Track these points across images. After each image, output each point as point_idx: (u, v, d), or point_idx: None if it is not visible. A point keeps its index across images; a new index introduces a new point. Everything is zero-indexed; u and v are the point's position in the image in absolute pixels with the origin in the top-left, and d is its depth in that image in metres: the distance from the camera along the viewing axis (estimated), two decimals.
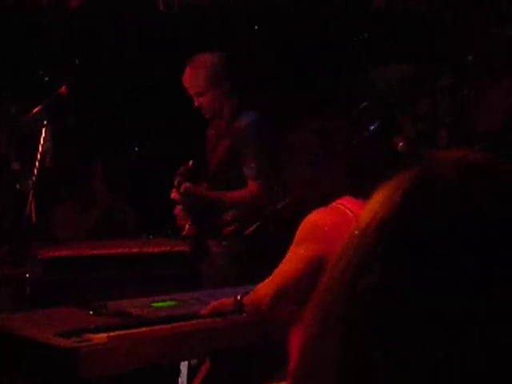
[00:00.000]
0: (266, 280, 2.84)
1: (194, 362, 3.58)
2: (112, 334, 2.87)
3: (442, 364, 0.68)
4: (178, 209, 4.38)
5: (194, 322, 3.16)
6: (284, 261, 2.80)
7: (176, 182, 4.13)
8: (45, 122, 4.03)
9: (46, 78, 6.36)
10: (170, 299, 3.61)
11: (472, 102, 5.32)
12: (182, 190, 4.13)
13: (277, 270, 2.81)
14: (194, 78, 4.24)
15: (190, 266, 4.61)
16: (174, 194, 4.21)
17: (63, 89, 4.31)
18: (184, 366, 3.57)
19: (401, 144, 4.48)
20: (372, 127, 4.62)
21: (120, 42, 6.21)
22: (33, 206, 3.88)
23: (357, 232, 0.76)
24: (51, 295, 4.22)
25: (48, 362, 2.79)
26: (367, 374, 0.70)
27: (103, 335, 2.83)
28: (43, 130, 4.02)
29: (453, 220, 0.71)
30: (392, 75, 5.69)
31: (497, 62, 5.34)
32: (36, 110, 4.10)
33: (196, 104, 4.31)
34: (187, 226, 4.40)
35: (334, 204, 2.82)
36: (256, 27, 6.52)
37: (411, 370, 0.68)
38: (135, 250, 4.89)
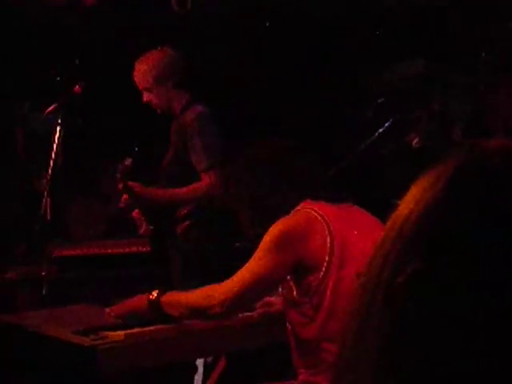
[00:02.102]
0: (225, 283, 2.78)
1: (210, 359, 3.59)
2: (129, 331, 2.87)
3: (488, 357, 0.67)
4: (136, 212, 4.47)
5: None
6: (249, 265, 2.75)
7: (120, 183, 4.15)
8: (59, 121, 4.03)
9: (58, 78, 6.36)
10: None
11: (486, 99, 5.31)
12: (122, 188, 4.17)
13: (240, 275, 2.75)
14: (142, 74, 4.35)
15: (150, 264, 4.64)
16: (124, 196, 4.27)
17: (77, 88, 4.32)
18: (200, 364, 3.58)
19: (415, 140, 4.48)
20: (387, 124, 4.61)
21: (132, 42, 6.21)
22: (48, 204, 3.88)
23: (393, 227, 0.76)
24: (67, 293, 4.23)
25: (66, 359, 2.79)
26: (406, 366, 0.70)
27: (120, 333, 2.83)
28: (57, 129, 4.02)
29: (502, 206, 0.70)
30: (406, 72, 5.68)
31: (510, 59, 5.32)
32: (50, 108, 4.10)
33: (145, 99, 4.43)
34: (144, 226, 4.46)
35: (296, 209, 2.82)
36: (267, 24, 6.51)
37: (455, 362, 0.68)
38: (148, 249, 4.89)
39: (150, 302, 2.88)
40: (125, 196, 4.25)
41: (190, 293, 2.88)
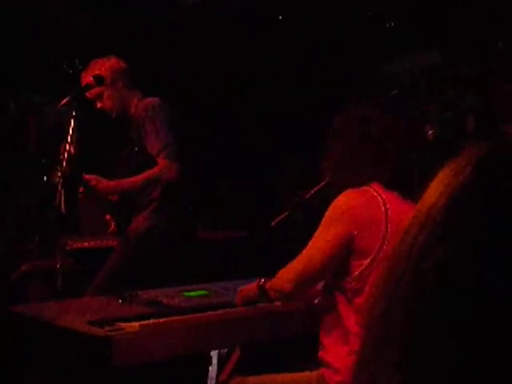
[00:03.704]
0: (290, 264, 2.83)
1: (224, 350, 3.60)
2: (144, 322, 2.88)
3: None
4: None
5: (225, 311, 3.17)
6: (311, 243, 2.79)
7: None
8: (73, 113, 4.03)
9: (71, 71, 6.37)
10: (201, 289, 3.63)
11: (499, 90, 5.28)
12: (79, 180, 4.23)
13: (303, 253, 2.79)
14: (90, 82, 4.42)
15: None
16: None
17: (91, 80, 4.33)
18: (214, 355, 3.58)
19: (430, 132, 4.46)
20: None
21: (138, 36, 6.23)
22: (62, 197, 3.89)
23: (421, 212, 0.76)
24: (81, 285, 4.25)
25: (82, 350, 2.80)
26: (431, 350, 0.70)
27: (135, 324, 2.84)
28: (71, 121, 4.02)
29: None
30: (419, 63, 5.66)
31: None
32: (64, 101, 4.10)
33: (98, 106, 4.62)
34: (113, 225, 4.59)
35: (365, 188, 2.82)
36: (280, 17, 6.51)
37: (481, 348, 0.68)
38: None
39: (259, 286, 2.97)
40: (81, 189, 4.29)
41: (277, 275, 2.92)
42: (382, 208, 2.75)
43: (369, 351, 0.78)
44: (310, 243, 2.79)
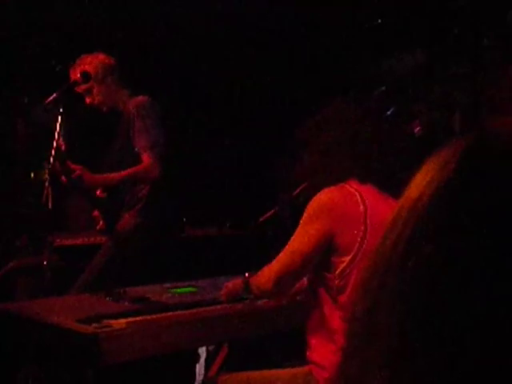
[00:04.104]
0: (273, 260, 2.84)
1: (212, 347, 3.60)
2: (131, 319, 2.88)
3: (503, 344, 0.66)
4: (96, 212, 4.68)
5: (212, 307, 3.18)
6: (291, 241, 2.80)
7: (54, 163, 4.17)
8: (60, 110, 4.02)
9: (58, 68, 6.35)
10: (189, 285, 3.63)
11: (487, 88, 5.30)
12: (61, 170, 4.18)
13: (283, 251, 2.80)
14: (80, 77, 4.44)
15: None
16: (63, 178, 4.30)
17: (78, 76, 4.32)
18: (202, 352, 3.59)
19: (417, 129, 4.48)
20: (388, 113, 4.61)
21: (133, 31, 6.21)
22: (49, 194, 3.88)
23: (404, 207, 0.75)
24: (68, 283, 4.24)
25: (69, 347, 2.80)
26: (419, 347, 0.69)
27: (122, 321, 2.84)
28: (58, 119, 4.01)
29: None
30: (406, 61, 5.67)
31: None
32: (51, 98, 4.09)
33: (87, 101, 4.63)
34: (100, 222, 4.64)
35: (343, 185, 2.85)
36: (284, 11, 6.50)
37: (467, 347, 0.67)
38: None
39: (244, 281, 3.00)
40: (63, 178, 4.28)
41: (262, 270, 2.92)
42: (360, 203, 2.77)
43: (352, 347, 0.78)
44: (290, 241, 2.81)
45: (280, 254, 2.82)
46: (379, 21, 5.90)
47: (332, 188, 2.81)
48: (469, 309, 0.67)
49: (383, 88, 4.97)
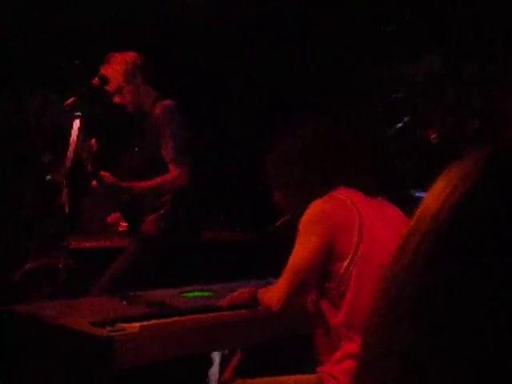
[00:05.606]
0: (281, 278, 2.85)
1: (225, 352, 3.60)
2: (145, 323, 2.88)
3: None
4: (111, 217, 4.68)
5: (226, 312, 3.17)
6: (293, 258, 2.81)
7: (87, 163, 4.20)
8: (77, 113, 4.04)
9: (76, 68, 6.37)
10: (203, 290, 3.64)
11: (501, 92, 5.27)
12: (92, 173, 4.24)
13: (288, 269, 2.82)
14: (111, 76, 4.47)
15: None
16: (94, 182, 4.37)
17: (95, 80, 4.34)
18: (216, 356, 3.59)
19: (433, 136, 4.46)
20: (404, 119, 4.60)
21: (147, 33, 6.22)
22: (66, 196, 3.90)
23: (423, 218, 0.74)
24: (84, 285, 4.26)
25: (83, 350, 2.81)
26: (436, 361, 0.68)
27: (136, 324, 2.84)
28: (76, 121, 4.03)
29: None
30: (420, 66, 5.65)
31: None
32: (69, 100, 4.11)
33: (116, 100, 4.61)
34: (122, 224, 4.66)
35: (333, 194, 2.89)
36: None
37: (489, 366, 0.66)
38: None
39: (251, 296, 3.05)
40: (94, 182, 4.30)
41: (269, 288, 2.97)
42: (353, 208, 2.81)
43: (369, 361, 0.77)
44: (291, 259, 2.82)
45: (284, 275, 2.83)
46: (393, 26, 5.88)
47: (321, 199, 2.85)
48: (493, 325, 0.66)
49: (395, 95, 4.95)
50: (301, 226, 2.81)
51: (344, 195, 2.86)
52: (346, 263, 2.75)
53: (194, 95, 4.63)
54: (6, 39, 5.98)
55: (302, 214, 2.84)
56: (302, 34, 6.42)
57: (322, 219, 2.78)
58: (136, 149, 4.67)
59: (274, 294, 2.85)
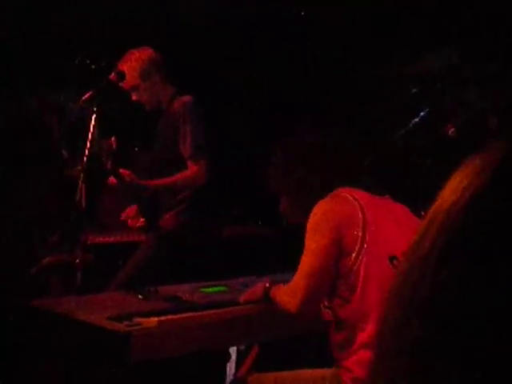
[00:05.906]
0: (294, 281, 2.84)
1: (242, 347, 3.60)
2: (162, 318, 2.89)
3: None
4: (126, 212, 4.70)
5: (243, 307, 3.18)
6: (304, 259, 2.81)
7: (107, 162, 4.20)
8: (94, 109, 4.04)
9: (93, 66, 6.39)
10: (220, 285, 3.64)
11: None
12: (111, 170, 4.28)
13: (300, 271, 2.81)
14: (128, 73, 4.43)
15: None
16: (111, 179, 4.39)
17: (112, 75, 4.34)
18: (233, 351, 3.59)
19: (451, 130, 4.44)
20: (422, 114, 4.58)
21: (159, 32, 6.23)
22: (83, 192, 3.90)
23: (439, 211, 0.73)
24: (101, 280, 4.27)
25: (101, 345, 2.82)
26: (442, 360, 0.68)
27: (153, 319, 2.85)
28: (92, 117, 4.03)
29: None
30: (440, 61, 5.62)
31: None
32: (86, 96, 4.11)
33: (134, 98, 4.59)
34: (140, 220, 4.66)
35: (335, 192, 2.92)
36: (303, 13, 6.49)
37: (503, 367, 0.65)
38: None
39: (264, 292, 3.06)
40: (113, 179, 4.30)
41: (283, 287, 2.96)
42: (355, 203, 2.85)
43: (382, 362, 0.76)
44: (303, 261, 2.81)
45: (297, 278, 2.82)
46: (409, 23, 5.85)
47: (324, 200, 2.88)
48: (496, 326, 0.65)
49: (415, 90, 4.93)
50: (308, 228, 2.83)
51: (345, 192, 2.90)
52: (353, 255, 2.78)
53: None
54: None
55: (303, 216, 2.86)
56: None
57: (328, 218, 2.81)
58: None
59: (290, 298, 2.84)
